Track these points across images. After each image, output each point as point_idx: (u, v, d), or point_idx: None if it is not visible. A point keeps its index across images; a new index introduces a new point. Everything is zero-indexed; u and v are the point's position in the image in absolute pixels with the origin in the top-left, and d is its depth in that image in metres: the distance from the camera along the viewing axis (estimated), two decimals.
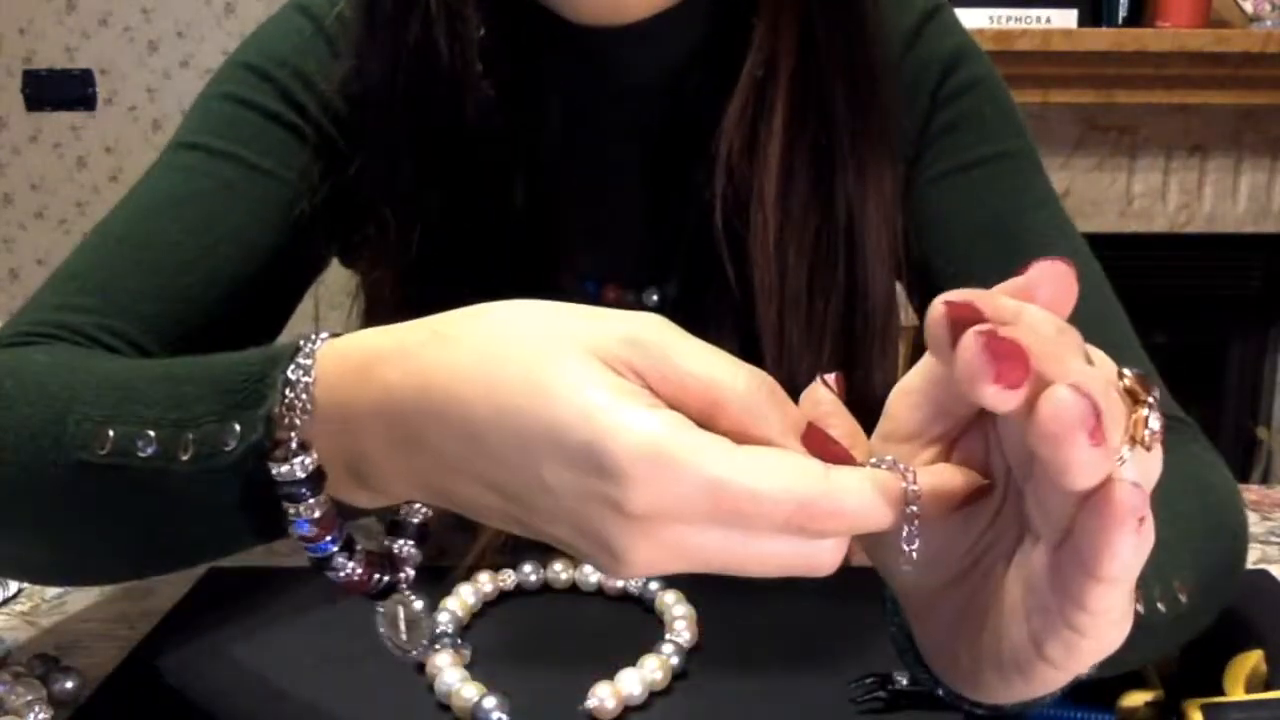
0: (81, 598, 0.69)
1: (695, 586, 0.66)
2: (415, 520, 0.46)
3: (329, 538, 0.43)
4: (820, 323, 0.68)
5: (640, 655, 0.58)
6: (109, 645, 0.63)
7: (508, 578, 0.68)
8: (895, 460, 0.36)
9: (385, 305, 0.68)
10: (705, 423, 0.35)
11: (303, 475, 0.41)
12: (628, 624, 0.65)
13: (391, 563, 0.45)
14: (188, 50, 2.56)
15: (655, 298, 0.71)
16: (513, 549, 0.68)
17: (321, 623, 0.65)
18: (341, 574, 0.44)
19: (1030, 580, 0.36)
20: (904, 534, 0.35)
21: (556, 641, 0.64)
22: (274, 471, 0.41)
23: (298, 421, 0.41)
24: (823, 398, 0.39)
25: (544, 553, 0.74)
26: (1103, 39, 2.08)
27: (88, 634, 0.64)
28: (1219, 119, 2.22)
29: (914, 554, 0.36)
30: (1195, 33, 2.09)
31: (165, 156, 0.67)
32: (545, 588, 0.68)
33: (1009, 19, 2.10)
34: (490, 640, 0.62)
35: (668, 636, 0.60)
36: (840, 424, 0.38)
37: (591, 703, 0.55)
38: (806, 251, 0.66)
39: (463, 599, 0.65)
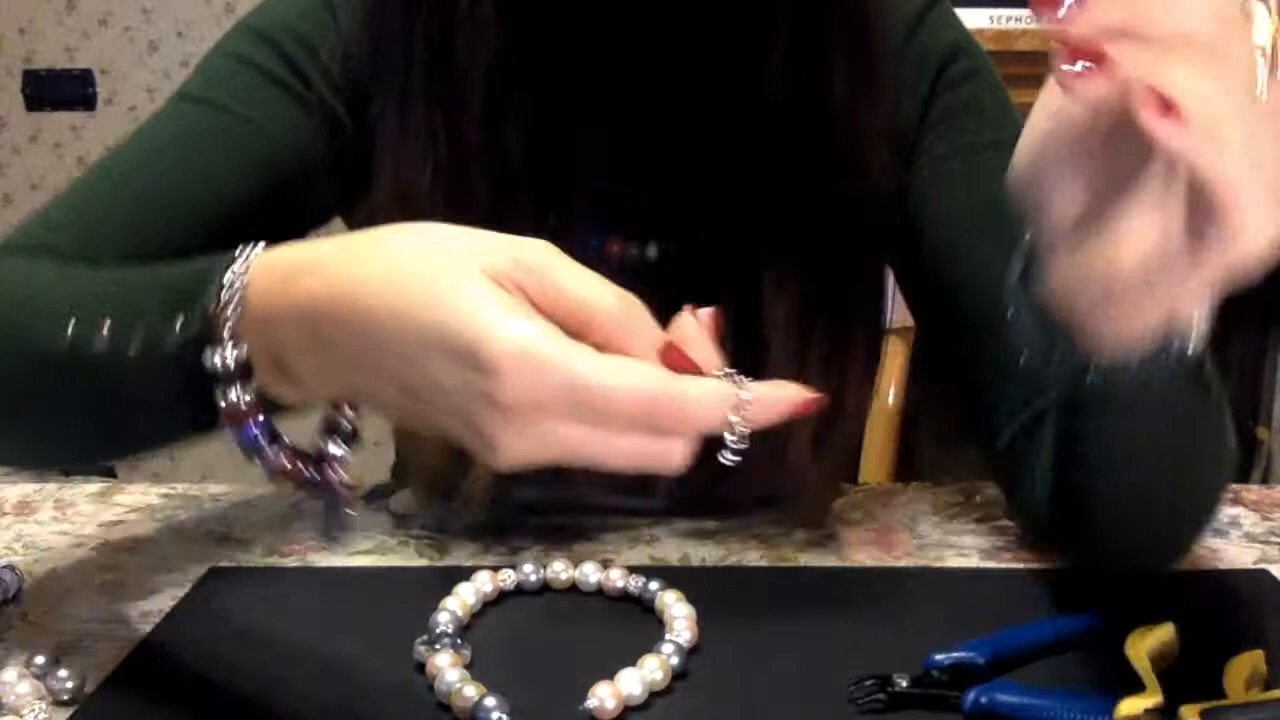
0: (81, 598, 0.69)
1: (695, 586, 0.66)
2: (344, 423, 0.49)
3: (252, 422, 0.48)
4: (816, 290, 0.70)
5: (640, 655, 0.58)
6: (109, 645, 0.63)
7: (508, 578, 0.68)
8: (734, 373, 0.43)
9: None
10: (578, 335, 0.41)
11: (232, 365, 0.47)
12: (628, 624, 0.65)
13: (319, 460, 0.50)
14: (188, 50, 2.56)
15: (655, 252, 0.73)
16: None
17: (321, 623, 0.65)
18: (271, 463, 0.49)
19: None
20: (730, 437, 0.42)
21: (556, 641, 0.64)
22: (205, 361, 0.47)
23: (229, 318, 0.47)
24: (686, 325, 0.45)
25: (544, 553, 0.74)
26: None
27: (88, 634, 0.64)
28: None
29: (731, 455, 0.42)
30: None
31: (165, 106, 0.71)
32: (545, 588, 0.69)
33: (1009, 19, 2.10)
34: (490, 640, 0.62)
35: (668, 636, 0.60)
36: (699, 350, 0.44)
37: (591, 703, 0.55)
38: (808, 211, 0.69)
39: (463, 599, 0.65)
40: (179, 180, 0.67)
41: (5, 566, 0.69)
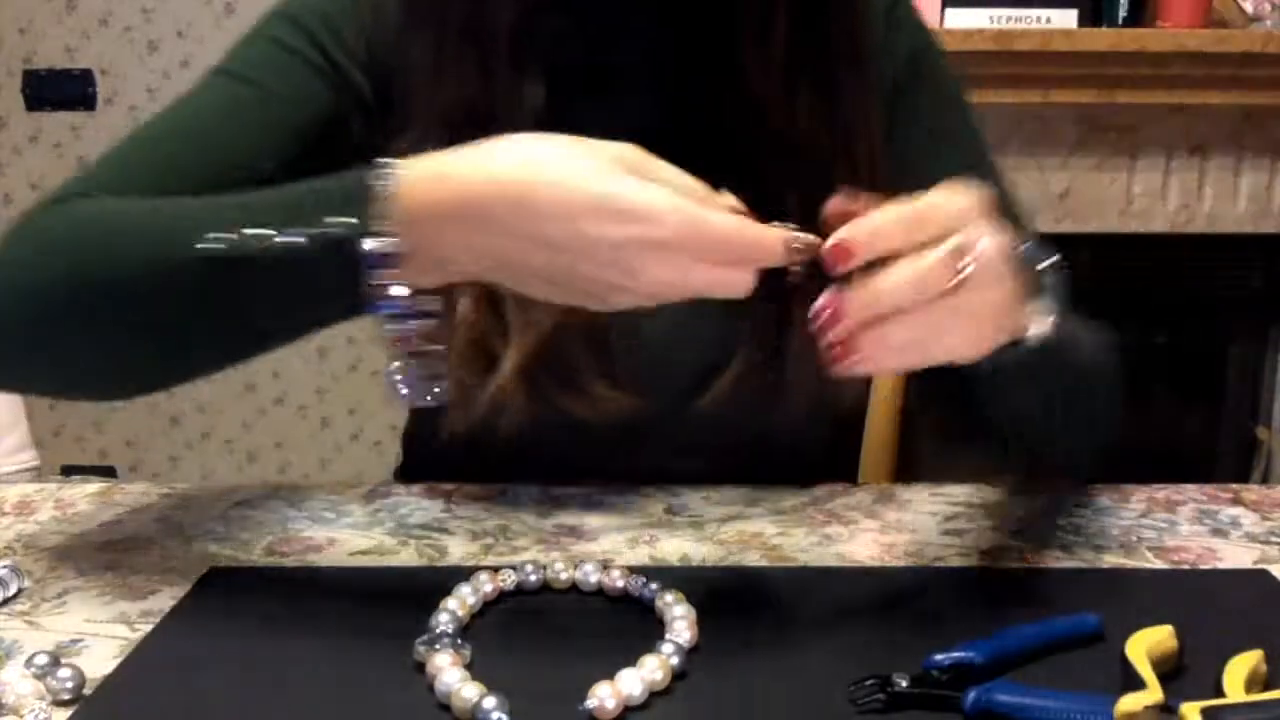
0: (81, 598, 0.69)
1: (695, 586, 0.66)
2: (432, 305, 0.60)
3: (395, 299, 0.58)
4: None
5: (640, 655, 0.58)
6: (109, 645, 0.63)
7: (508, 578, 0.68)
8: (791, 226, 0.58)
9: None
10: None
11: (387, 252, 0.57)
12: (628, 624, 0.65)
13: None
14: (188, 50, 2.56)
15: None
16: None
17: (321, 623, 0.65)
18: (403, 331, 0.59)
19: None
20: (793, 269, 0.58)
21: (556, 641, 0.64)
22: (361, 244, 0.57)
23: (387, 214, 0.57)
24: (730, 200, 0.59)
25: (544, 553, 0.74)
26: (1103, 39, 2.08)
27: (88, 634, 0.64)
28: (1219, 119, 2.22)
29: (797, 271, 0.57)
30: (1195, 33, 2.09)
31: (203, 79, 0.77)
32: (545, 588, 0.69)
33: (1009, 19, 2.10)
34: (490, 640, 0.62)
35: (668, 636, 0.60)
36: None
37: (591, 703, 0.55)
38: (810, 157, 0.78)
39: (463, 599, 0.65)
40: (213, 145, 0.73)
41: (5, 566, 0.69)
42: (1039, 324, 0.63)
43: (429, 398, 0.61)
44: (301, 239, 0.58)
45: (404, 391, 0.61)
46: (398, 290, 0.58)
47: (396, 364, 0.60)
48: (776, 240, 0.57)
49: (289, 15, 0.77)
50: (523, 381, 0.74)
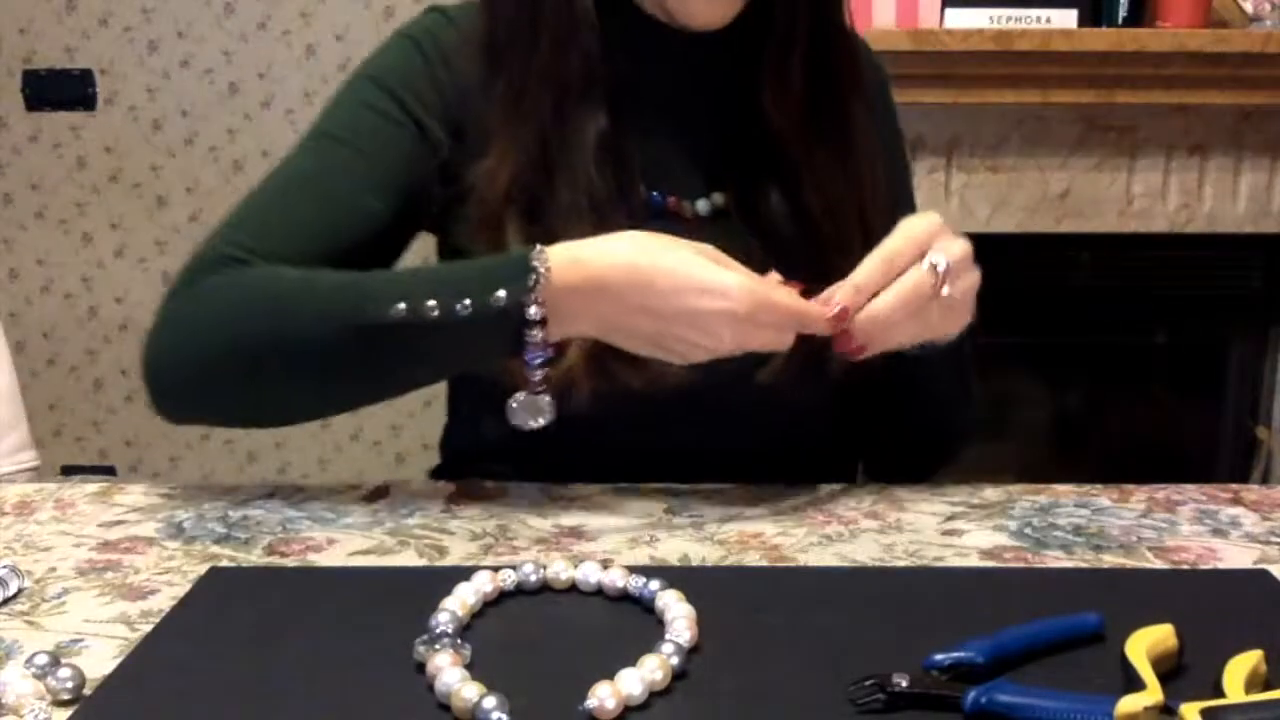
0: (81, 598, 0.69)
1: (695, 586, 0.66)
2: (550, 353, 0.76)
3: (539, 350, 0.75)
4: (840, 236, 0.91)
5: (640, 655, 0.58)
6: (109, 645, 0.63)
7: (508, 578, 0.68)
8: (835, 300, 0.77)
9: (492, 221, 0.87)
10: None
11: (537, 318, 0.74)
12: (628, 624, 0.65)
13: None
14: (188, 50, 2.56)
15: (707, 206, 0.92)
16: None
17: (321, 623, 0.65)
18: (534, 374, 0.75)
19: None
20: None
21: (556, 641, 0.64)
22: (527, 312, 0.73)
23: (539, 290, 0.74)
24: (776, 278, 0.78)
25: (544, 553, 0.74)
26: (1103, 39, 2.08)
27: (88, 634, 0.64)
28: (1219, 119, 2.22)
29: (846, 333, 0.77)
30: (1195, 33, 2.09)
31: (306, 141, 0.90)
32: (545, 588, 0.69)
33: (1009, 19, 2.10)
34: (490, 640, 0.62)
35: (668, 636, 0.60)
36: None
37: (591, 703, 0.55)
38: (831, 169, 0.91)
39: (463, 599, 0.65)
40: (326, 202, 0.86)
41: (5, 566, 0.69)
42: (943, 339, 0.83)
43: (541, 420, 0.77)
44: (468, 307, 0.73)
45: (525, 417, 0.77)
46: (537, 344, 0.75)
47: (521, 396, 0.76)
48: (820, 313, 0.76)
49: (371, 77, 0.91)
50: (588, 359, 0.84)
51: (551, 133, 0.87)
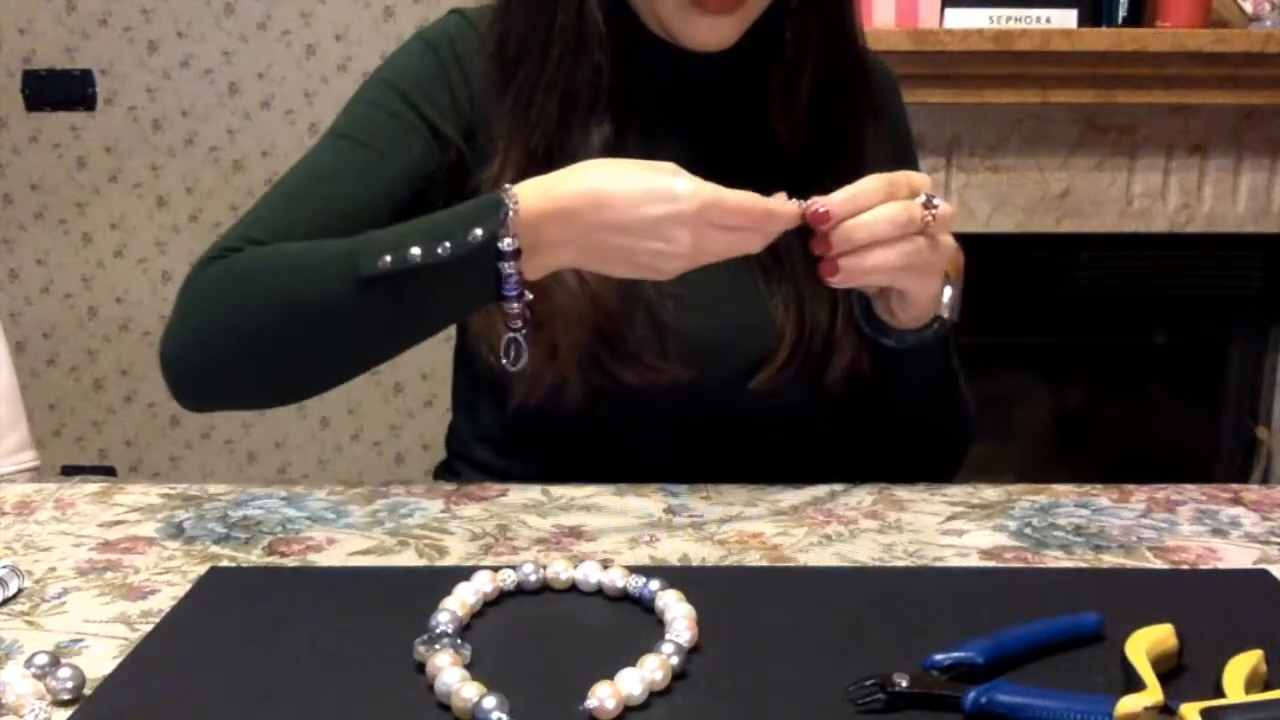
0: (81, 598, 0.69)
1: (695, 586, 0.66)
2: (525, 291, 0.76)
3: (514, 284, 0.75)
4: None
5: (640, 655, 0.58)
6: (109, 645, 0.63)
7: (508, 578, 0.68)
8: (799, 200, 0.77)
9: None
10: None
11: (511, 250, 0.74)
12: (628, 624, 0.65)
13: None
14: (188, 50, 2.56)
15: None
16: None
17: (321, 623, 0.65)
18: (514, 308, 0.75)
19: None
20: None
21: (556, 641, 0.64)
22: (501, 244, 0.74)
23: (513, 222, 0.74)
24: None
25: (544, 553, 0.74)
26: (1103, 39, 2.08)
27: (88, 634, 0.64)
28: (1219, 119, 2.22)
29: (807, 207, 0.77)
30: (1195, 33, 2.09)
31: (324, 141, 0.92)
32: (545, 588, 0.69)
33: (1009, 19, 2.10)
34: (490, 640, 0.62)
35: (668, 636, 0.60)
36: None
37: (591, 703, 0.55)
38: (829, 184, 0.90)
39: (463, 599, 0.65)
40: (339, 199, 0.88)
41: (5, 566, 0.69)
42: (951, 306, 0.84)
43: (520, 362, 0.78)
44: (448, 248, 0.74)
45: (514, 355, 0.78)
46: (515, 279, 0.75)
47: (509, 335, 0.77)
48: (787, 211, 0.76)
49: (387, 81, 0.93)
50: (583, 354, 0.86)
51: (556, 142, 0.89)
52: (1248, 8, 2.20)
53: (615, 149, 0.88)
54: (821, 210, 0.76)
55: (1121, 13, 2.13)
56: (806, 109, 0.92)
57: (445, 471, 1.05)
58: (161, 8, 2.55)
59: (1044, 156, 2.23)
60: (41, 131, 2.60)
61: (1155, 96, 2.16)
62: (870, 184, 0.77)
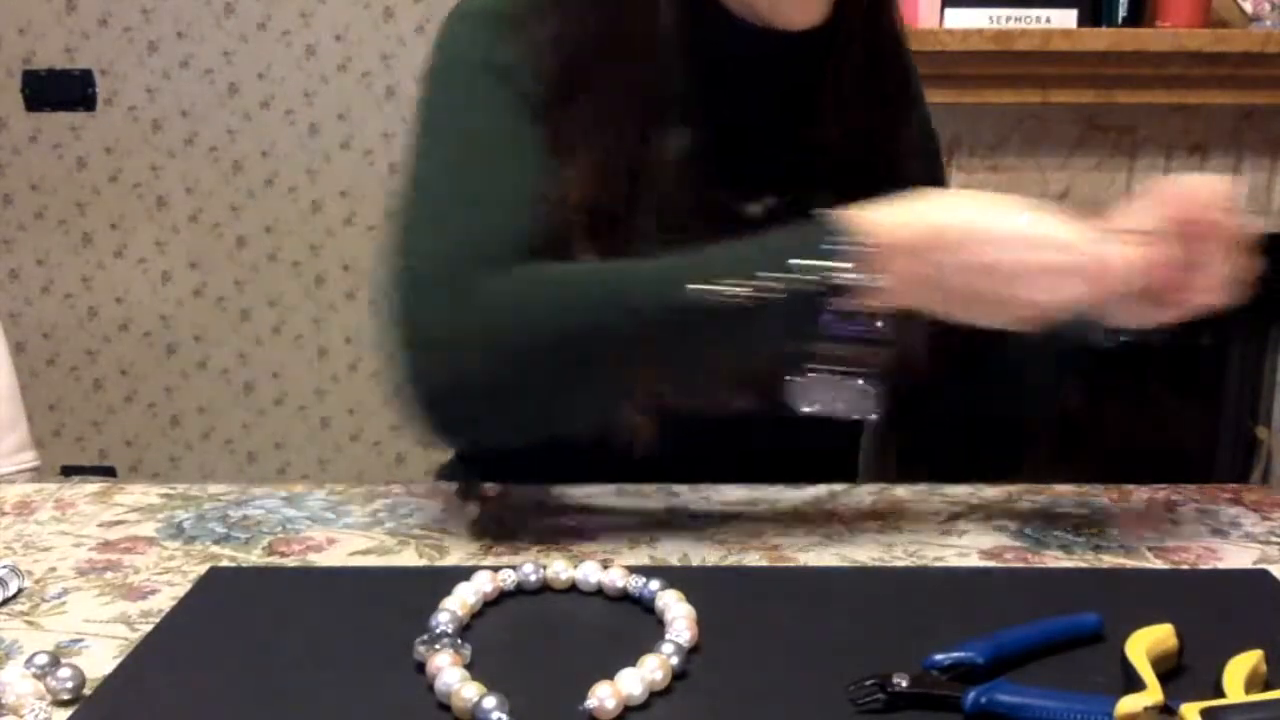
0: (81, 598, 0.69)
1: (695, 586, 0.66)
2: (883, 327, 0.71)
3: (852, 321, 0.70)
4: None
5: (640, 655, 0.58)
6: (109, 645, 0.63)
7: (508, 578, 0.68)
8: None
9: (579, 220, 0.82)
10: None
11: (854, 284, 0.68)
12: (628, 624, 0.65)
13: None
14: (188, 50, 2.56)
15: (759, 208, 0.90)
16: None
17: (321, 623, 0.65)
18: (853, 350, 0.70)
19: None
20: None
21: (556, 641, 0.64)
22: (842, 278, 0.68)
23: (858, 253, 0.69)
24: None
25: (544, 553, 0.74)
26: (1102, 39, 2.08)
27: (88, 634, 0.64)
28: (1219, 119, 2.22)
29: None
30: (1195, 33, 2.09)
31: (447, 142, 0.84)
32: (545, 588, 0.69)
33: (1009, 19, 2.10)
34: (490, 640, 0.62)
35: (668, 636, 0.60)
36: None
37: (591, 703, 0.55)
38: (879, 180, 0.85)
39: (463, 599, 0.65)
40: (533, 198, 0.80)
41: (5, 566, 0.69)
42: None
43: (866, 409, 0.73)
44: (778, 283, 0.69)
45: (829, 402, 0.73)
46: (850, 316, 0.70)
47: (814, 377, 0.72)
48: (1153, 268, 0.72)
49: (469, 65, 0.85)
50: (654, 415, 0.80)
51: (635, 151, 0.84)
52: (1248, 8, 2.20)
53: (692, 155, 0.84)
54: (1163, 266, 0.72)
55: (1121, 13, 2.13)
56: (854, 99, 0.89)
57: (454, 470, 1.03)
58: (161, 8, 2.55)
59: (1044, 156, 2.23)
60: (41, 131, 2.60)
61: (1155, 96, 2.16)
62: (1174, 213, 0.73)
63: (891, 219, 0.70)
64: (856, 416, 0.73)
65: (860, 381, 0.72)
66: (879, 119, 0.92)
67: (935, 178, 1.03)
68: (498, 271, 0.75)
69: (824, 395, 0.72)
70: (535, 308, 0.74)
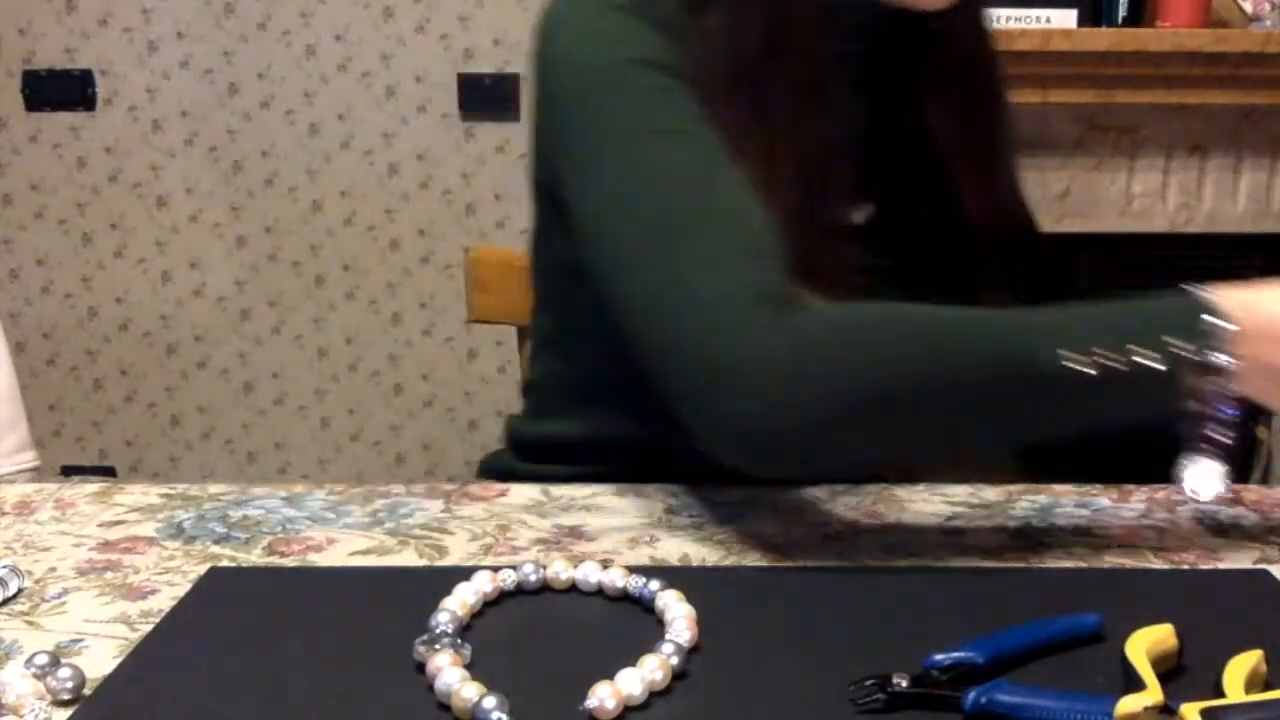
0: (81, 598, 0.69)
1: (695, 586, 0.66)
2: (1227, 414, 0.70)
3: (1216, 402, 0.69)
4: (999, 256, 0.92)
5: (640, 655, 0.58)
6: (109, 645, 0.63)
7: (508, 578, 0.68)
8: None
9: None
10: None
11: (1219, 364, 0.68)
12: (628, 624, 0.65)
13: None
14: (188, 50, 2.56)
15: (860, 215, 0.90)
16: None
17: (321, 623, 0.65)
18: (1217, 431, 0.70)
19: None
20: None
21: (556, 641, 0.64)
22: (1209, 358, 0.68)
23: (1228, 335, 0.68)
24: None
25: (544, 553, 0.74)
26: (1102, 39, 2.08)
27: (88, 634, 0.64)
28: (1219, 119, 2.22)
29: None
30: (1195, 33, 2.09)
31: (645, 147, 0.78)
32: (545, 588, 0.69)
33: (1009, 19, 2.10)
34: (490, 640, 0.62)
35: (668, 636, 0.60)
36: None
37: (591, 703, 0.55)
38: (980, 184, 0.92)
39: (463, 599, 0.65)
40: (742, 198, 0.77)
41: (5, 566, 0.69)
42: None
43: (1218, 491, 0.71)
44: (1149, 355, 0.68)
45: (1199, 488, 0.71)
46: (1218, 399, 0.69)
47: (1194, 461, 0.71)
48: None
49: (633, 60, 0.80)
50: None
51: (794, 142, 0.82)
52: (1248, 8, 2.20)
53: (854, 138, 0.84)
54: None
55: (1121, 13, 2.13)
56: (958, 100, 0.90)
57: (498, 467, 1.01)
58: (161, 8, 2.55)
59: (1044, 156, 2.24)
60: (41, 131, 2.60)
61: (1155, 96, 2.16)
62: None
63: (1253, 302, 0.70)
64: (1206, 499, 0.73)
65: (1214, 461, 0.71)
66: (988, 109, 0.93)
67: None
68: (797, 301, 0.73)
69: (1189, 472, 0.71)
70: (884, 349, 0.71)
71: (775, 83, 0.82)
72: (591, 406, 0.94)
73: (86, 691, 0.58)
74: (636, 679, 0.56)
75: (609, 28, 0.82)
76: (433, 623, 0.62)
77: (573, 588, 0.68)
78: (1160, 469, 0.80)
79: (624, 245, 0.77)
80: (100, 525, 0.80)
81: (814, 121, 0.82)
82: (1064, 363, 0.68)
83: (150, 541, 0.77)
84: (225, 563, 0.73)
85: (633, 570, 0.68)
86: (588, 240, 0.81)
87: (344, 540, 0.77)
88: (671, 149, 0.78)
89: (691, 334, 0.72)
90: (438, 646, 0.58)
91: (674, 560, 0.74)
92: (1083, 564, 0.74)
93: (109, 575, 0.72)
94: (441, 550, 0.75)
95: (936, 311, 0.73)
